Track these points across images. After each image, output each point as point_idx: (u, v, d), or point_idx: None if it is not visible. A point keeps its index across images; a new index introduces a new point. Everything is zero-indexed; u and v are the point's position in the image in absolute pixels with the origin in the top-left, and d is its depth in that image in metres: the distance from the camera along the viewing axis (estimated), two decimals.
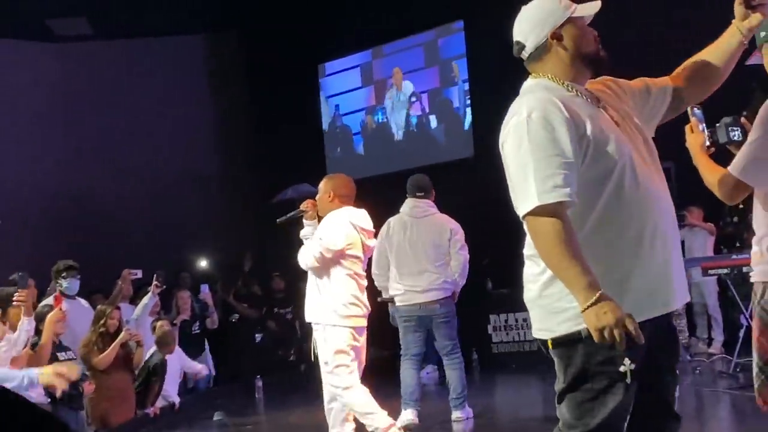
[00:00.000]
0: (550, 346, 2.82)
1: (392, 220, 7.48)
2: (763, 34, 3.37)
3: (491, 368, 10.67)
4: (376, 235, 6.46)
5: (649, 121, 3.11)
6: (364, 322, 6.11)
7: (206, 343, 11.30)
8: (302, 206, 6.19)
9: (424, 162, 12.37)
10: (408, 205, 7.53)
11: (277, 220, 6.33)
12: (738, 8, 3.04)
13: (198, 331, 10.95)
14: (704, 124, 3.57)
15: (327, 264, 5.96)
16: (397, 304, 7.45)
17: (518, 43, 3.00)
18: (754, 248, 3.37)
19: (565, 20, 2.91)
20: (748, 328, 8.08)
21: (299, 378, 12.18)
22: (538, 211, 2.68)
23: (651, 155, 2.95)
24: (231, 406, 9.57)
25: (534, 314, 2.91)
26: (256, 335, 12.69)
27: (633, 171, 2.79)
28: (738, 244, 9.42)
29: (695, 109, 3.53)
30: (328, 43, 14.72)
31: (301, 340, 13.17)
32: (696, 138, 3.57)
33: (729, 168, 3.33)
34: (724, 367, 8.60)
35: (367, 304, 6.17)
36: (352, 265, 6.02)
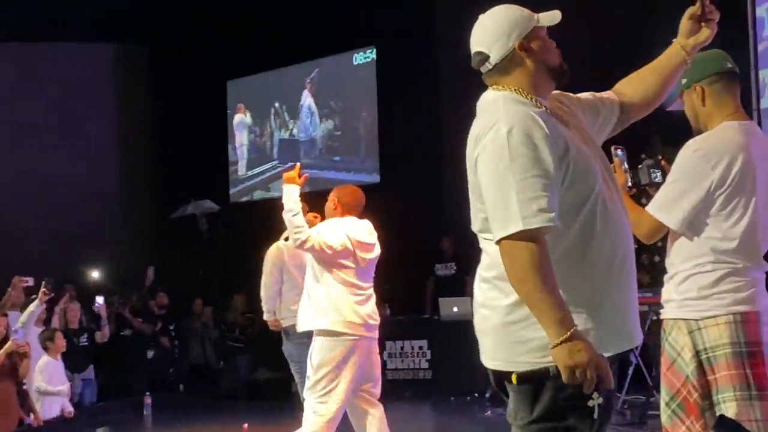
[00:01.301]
0: (514, 381, 2.55)
1: (283, 245, 7.23)
2: (684, 81, 3.40)
3: (384, 395, 10.61)
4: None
5: (599, 136, 2.93)
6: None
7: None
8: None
9: (328, 185, 12.30)
10: None
11: None
12: (685, 24, 2.94)
13: (86, 344, 10.64)
14: (626, 165, 3.62)
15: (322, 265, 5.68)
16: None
17: (480, 53, 2.72)
18: (666, 286, 3.44)
19: (530, 30, 2.70)
20: (637, 366, 8.30)
21: (186, 397, 12.00)
22: (517, 236, 2.45)
23: (611, 176, 2.76)
24: (117, 423, 9.36)
25: (489, 342, 2.64)
26: (149, 351, 12.43)
27: (603, 195, 2.62)
28: None
29: (618, 150, 3.56)
30: (235, 62, 14.65)
31: (180, 359, 12.91)
32: (618, 178, 3.62)
33: (647, 208, 3.41)
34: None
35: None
36: (345, 275, 5.72)
